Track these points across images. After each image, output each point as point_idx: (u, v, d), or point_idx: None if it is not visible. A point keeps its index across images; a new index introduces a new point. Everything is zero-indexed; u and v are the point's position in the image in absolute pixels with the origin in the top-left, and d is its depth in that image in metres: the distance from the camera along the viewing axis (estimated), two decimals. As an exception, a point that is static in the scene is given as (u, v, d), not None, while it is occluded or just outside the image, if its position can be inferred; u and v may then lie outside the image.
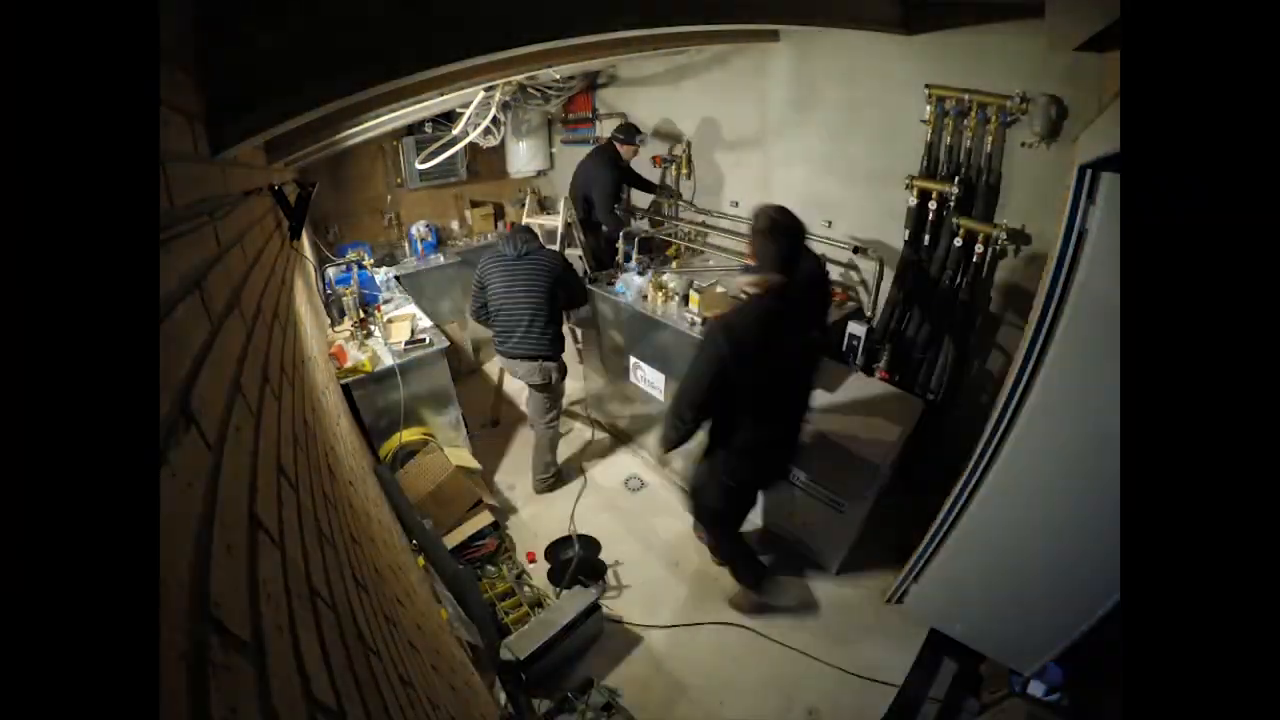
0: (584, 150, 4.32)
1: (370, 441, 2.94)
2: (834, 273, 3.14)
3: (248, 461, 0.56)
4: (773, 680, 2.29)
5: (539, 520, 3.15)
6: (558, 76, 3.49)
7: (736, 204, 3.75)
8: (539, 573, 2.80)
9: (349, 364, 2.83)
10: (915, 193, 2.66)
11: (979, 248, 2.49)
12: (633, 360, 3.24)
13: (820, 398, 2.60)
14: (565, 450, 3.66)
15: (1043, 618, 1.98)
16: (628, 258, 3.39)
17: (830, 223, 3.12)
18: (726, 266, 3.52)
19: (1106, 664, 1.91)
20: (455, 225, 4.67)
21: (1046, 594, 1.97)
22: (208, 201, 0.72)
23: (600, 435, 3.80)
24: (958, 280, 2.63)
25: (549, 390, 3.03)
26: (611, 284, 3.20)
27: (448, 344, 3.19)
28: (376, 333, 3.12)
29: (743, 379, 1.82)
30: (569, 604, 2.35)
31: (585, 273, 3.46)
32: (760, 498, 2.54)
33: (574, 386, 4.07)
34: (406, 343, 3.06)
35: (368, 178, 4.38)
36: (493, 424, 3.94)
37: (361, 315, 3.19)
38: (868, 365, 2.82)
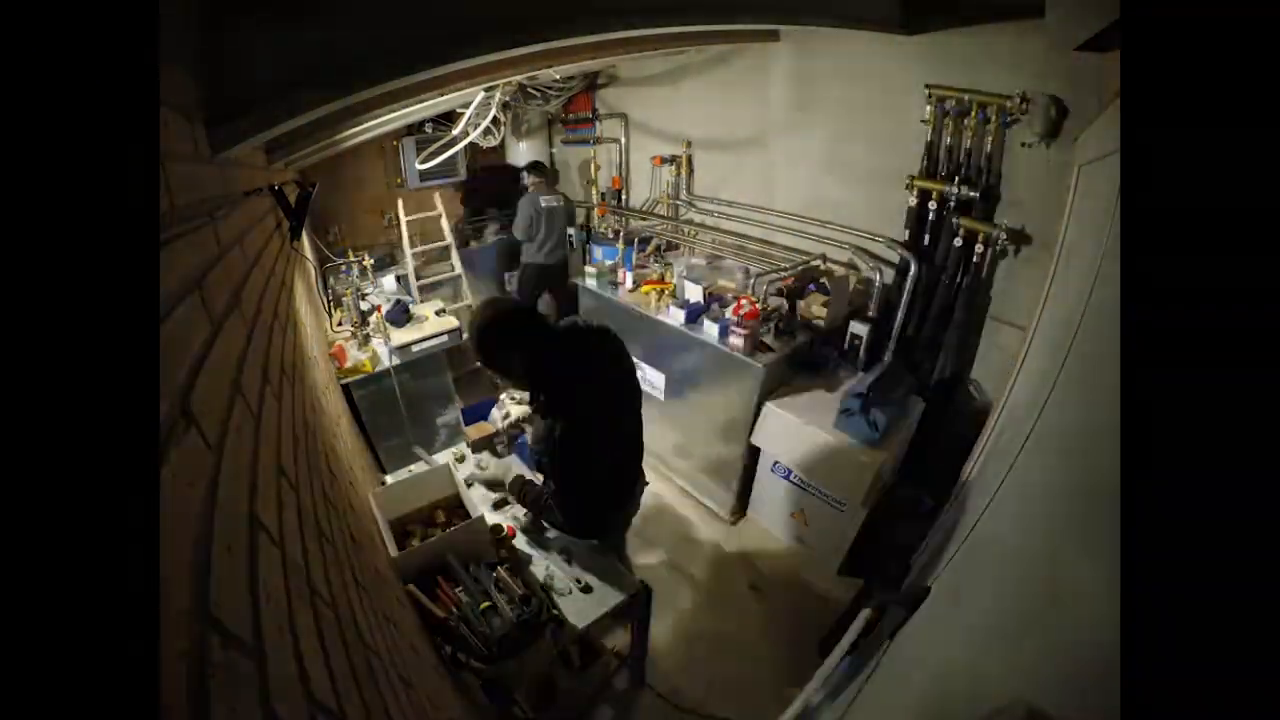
0: (584, 150, 4.31)
1: (370, 441, 2.94)
2: (834, 273, 3.13)
3: (248, 461, 0.56)
4: (772, 680, 2.29)
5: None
6: (558, 77, 3.49)
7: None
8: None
9: (349, 364, 2.83)
10: (915, 193, 2.66)
11: (979, 248, 2.49)
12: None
13: (823, 397, 2.60)
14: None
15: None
16: (627, 260, 3.39)
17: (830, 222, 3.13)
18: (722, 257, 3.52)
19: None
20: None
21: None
22: (208, 201, 0.72)
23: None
24: (958, 280, 2.63)
25: None
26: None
27: (448, 344, 3.19)
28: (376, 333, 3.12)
29: None
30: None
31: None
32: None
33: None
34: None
35: (368, 178, 4.38)
36: None
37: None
38: (869, 364, 2.81)
